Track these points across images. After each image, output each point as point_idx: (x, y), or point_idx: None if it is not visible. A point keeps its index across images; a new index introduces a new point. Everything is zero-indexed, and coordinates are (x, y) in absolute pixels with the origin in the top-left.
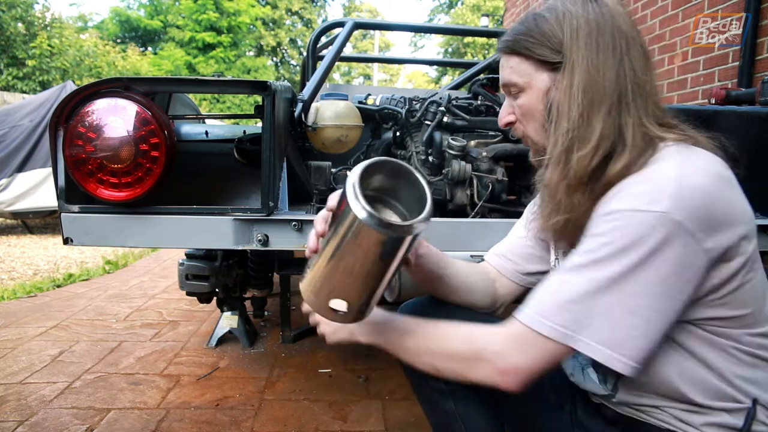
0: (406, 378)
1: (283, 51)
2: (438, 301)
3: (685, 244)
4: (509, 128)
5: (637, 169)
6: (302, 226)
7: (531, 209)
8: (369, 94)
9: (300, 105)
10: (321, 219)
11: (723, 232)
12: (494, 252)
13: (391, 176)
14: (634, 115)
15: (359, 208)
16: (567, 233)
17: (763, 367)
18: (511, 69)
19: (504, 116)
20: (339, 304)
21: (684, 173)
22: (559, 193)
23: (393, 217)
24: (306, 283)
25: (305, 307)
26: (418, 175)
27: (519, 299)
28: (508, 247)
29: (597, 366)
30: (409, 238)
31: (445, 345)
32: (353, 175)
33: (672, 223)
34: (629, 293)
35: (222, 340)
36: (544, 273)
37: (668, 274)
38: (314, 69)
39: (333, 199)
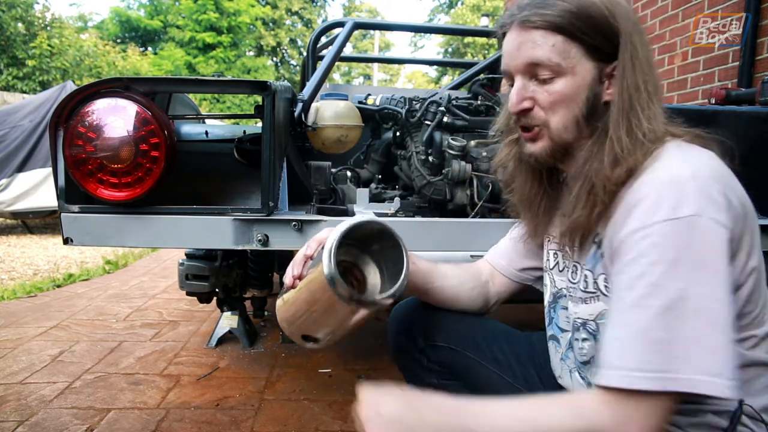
0: (399, 371)
1: (283, 51)
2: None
3: (723, 240)
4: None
5: (641, 169)
6: (302, 226)
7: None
8: (369, 94)
9: (300, 105)
10: (299, 263)
11: (739, 221)
12: (492, 250)
13: (380, 236)
14: (657, 112)
15: (339, 287)
16: (584, 227)
17: (745, 367)
18: (552, 48)
19: (520, 101)
20: (311, 338)
21: (696, 171)
22: (608, 186)
23: (371, 275)
24: (281, 311)
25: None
26: (403, 251)
27: (511, 299)
28: (504, 244)
29: (584, 369)
30: (372, 308)
31: (549, 424)
32: (332, 238)
33: (705, 221)
34: (702, 304)
35: (222, 340)
36: (537, 269)
37: (722, 272)
38: (314, 69)
39: (312, 248)
